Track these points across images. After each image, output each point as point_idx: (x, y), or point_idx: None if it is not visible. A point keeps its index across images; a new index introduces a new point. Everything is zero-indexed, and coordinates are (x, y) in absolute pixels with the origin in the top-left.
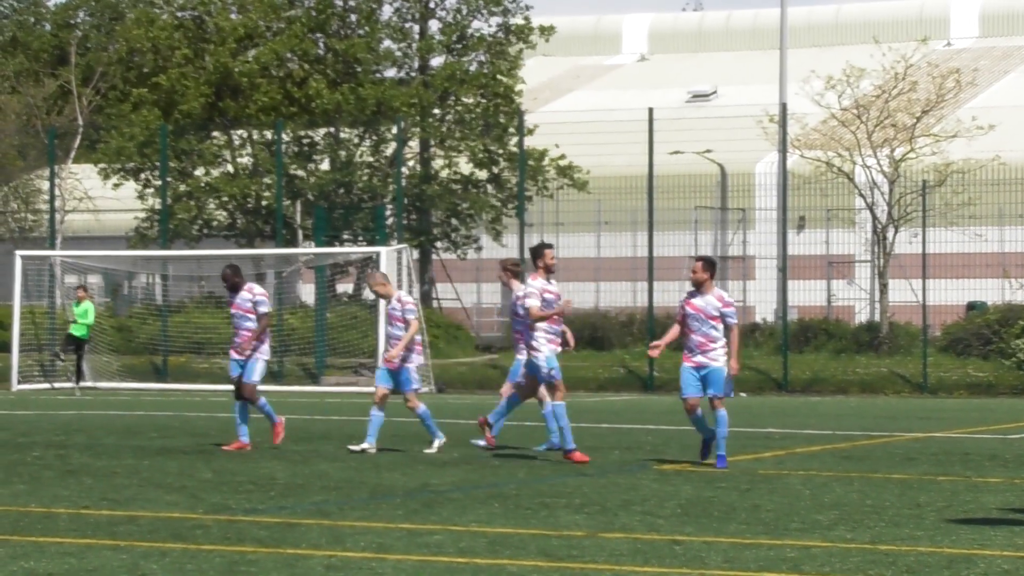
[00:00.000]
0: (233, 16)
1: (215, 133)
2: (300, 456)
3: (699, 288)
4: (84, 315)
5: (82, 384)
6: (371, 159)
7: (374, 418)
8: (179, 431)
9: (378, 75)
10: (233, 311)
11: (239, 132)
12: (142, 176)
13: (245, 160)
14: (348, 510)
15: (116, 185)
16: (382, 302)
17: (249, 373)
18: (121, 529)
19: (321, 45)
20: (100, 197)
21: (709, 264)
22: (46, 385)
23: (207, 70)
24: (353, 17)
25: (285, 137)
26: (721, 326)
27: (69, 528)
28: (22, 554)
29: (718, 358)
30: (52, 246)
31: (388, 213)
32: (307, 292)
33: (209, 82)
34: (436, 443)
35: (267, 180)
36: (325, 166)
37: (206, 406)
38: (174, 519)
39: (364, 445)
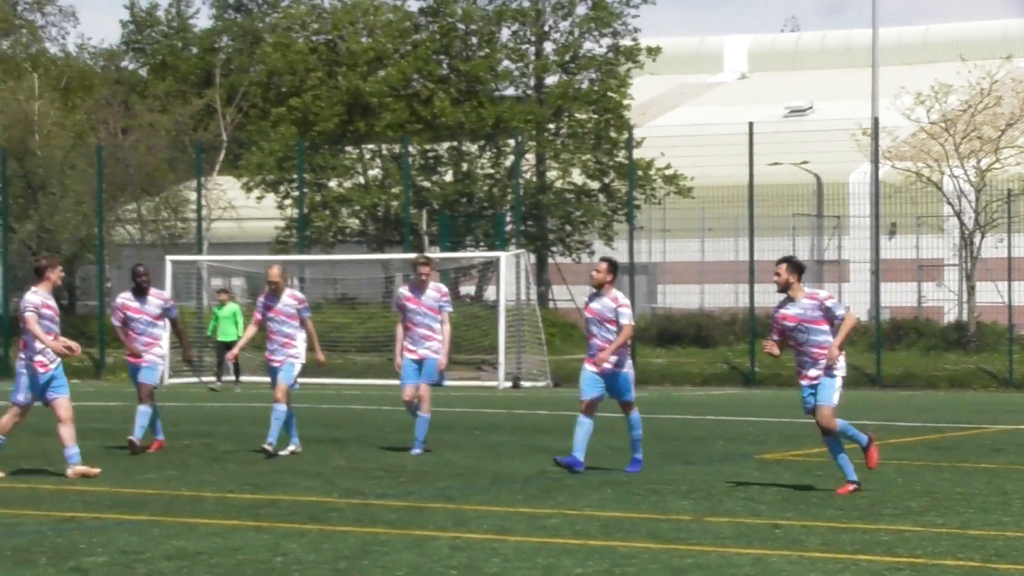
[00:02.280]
0: (364, 40)
1: (347, 148)
2: (427, 445)
3: (599, 289)
4: (232, 317)
5: (241, 379)
6: (491, 171)
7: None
8: (315, 422)
9: (497, 93)
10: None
11: (369, 147)
12: (281, 188)
13: (375, 172)
14: (471, 495)
15: (259, 197)
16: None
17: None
18: (263, 511)
19: (445, 66)
20: (243, 206)
21: (612, 266)
22: (194, 379)
23: (340, 90)
24: (474, 40)
25: (412, 151)
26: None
27: (215, 510)
28: (173, 534)
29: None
30: (199, 251)
31: (507, 221)
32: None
33: (342, 101)
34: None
35: (395, 191)
36: (449, 177)
37: (340, 399)
38: (311, 502)
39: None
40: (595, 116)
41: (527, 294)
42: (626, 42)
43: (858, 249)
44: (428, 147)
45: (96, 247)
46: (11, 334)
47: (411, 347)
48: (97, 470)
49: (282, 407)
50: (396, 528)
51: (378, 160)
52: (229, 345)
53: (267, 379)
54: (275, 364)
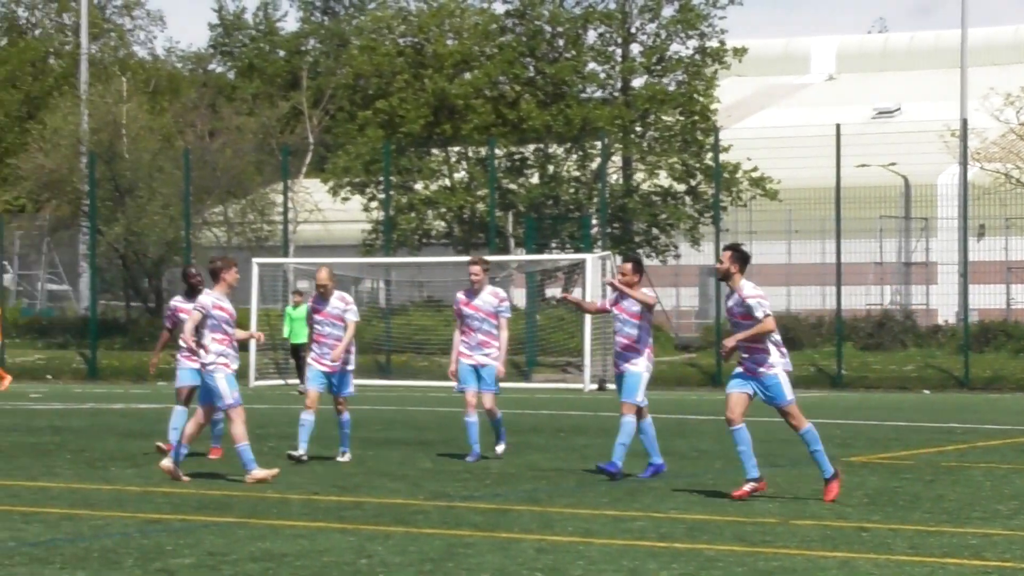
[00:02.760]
0: (450, 43)
1: (434, 151)
2: (512, 447)
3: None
4: (304, 319)
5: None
6: (577, 173)
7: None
8: (401, 424)
9: (584, 95)
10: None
11: (455, 149)
12: (367, 190)
13: (461, 175)
14: (557, 497)
15: (345, 200)
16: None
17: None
18: (348, 514)
19: (531, 68)
20: (329, 209)
21: (638, 266)
22: (280, 381)
23: (426, 92)
24: (561, 42)
25: (498, 153)
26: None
27: (301, 512)
28: (259, 536)
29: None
30: (285, 254)
31: (593, 223)
32: (518, 296)
33: (428, 104)
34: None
35: (481, 193)
36: (535, 180)
37: (426, 401)
38: (397, 505)
39: None
40: (681, 118)
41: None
42: (713, 44)
43: (946, 251)
44: (514, 149)
45: (183, 250)
46: (99, 336)
47: (467, 352)
48: (275, 470)
49: (346, 416)
50: (481, 530)
51: (464, 162)
52: (301, 347)
53: (356, 381)
54: (325, 369)
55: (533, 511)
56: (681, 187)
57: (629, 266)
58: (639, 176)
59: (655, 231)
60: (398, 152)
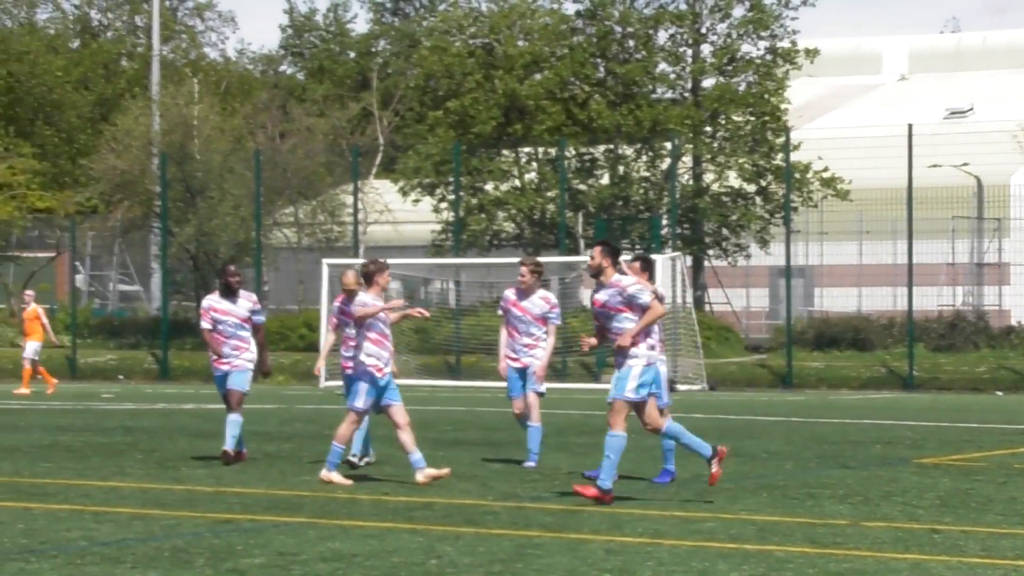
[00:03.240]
0: (520, 43)
1: (504, 151)
2: (582, 448)
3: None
4: None
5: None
6: (647, 174)
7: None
8: (471, 425)
9: (654, 96)
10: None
11: (526, 150)
12: (437, 191)
13: (531, 176)
14: (626, 498)
15: (415, 200)
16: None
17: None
18: (418, 514)
19: (601, 69)
20: (399, 210)
21: (646, 263)
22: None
23: (497, 93)
24: (631, 42)
25: (568, 154)
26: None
27: (371, 512)
28: (329, 536)
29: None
30: (355, 255)
31: (663, 224)
32: (586, 297)
33: (499, 104)
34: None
35: (551, 194)
36: (605, 180)
37: (495, 402)
38: (466, 505)
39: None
40: (752, 119)
41: (683, 297)
42: (784, 44)
43: (1019, 251)
44: (584, 150)
45: (254, 251)
46: (170, 336)
47: (513, 355)
48: (447, 470)
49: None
50: (551, 531)
51: (534, 163)
52: None
53: (426, 382)
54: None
55: (603, 512)
56: (751, 188)
57: (637, 264)
58: (709, 177)
59: (725, 232)
60: (468, 153)
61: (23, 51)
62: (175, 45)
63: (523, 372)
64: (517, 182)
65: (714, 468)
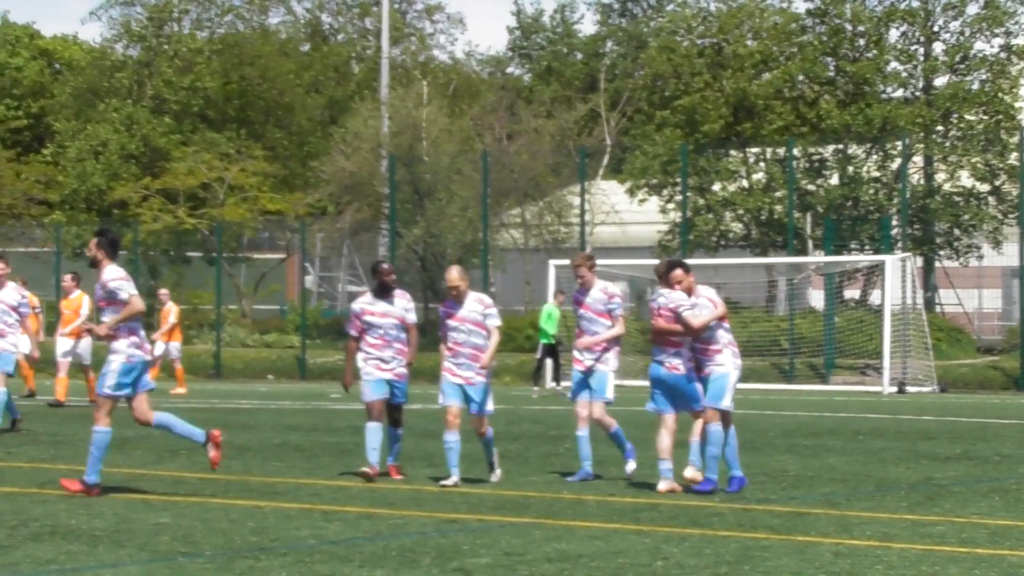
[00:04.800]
0: (749, 43)
1: (732, 152)
2: (810, 450)
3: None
4: (548, 320)
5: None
6: (877, 174)
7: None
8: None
9: (884, 95)
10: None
11: (754, 150)
12: (664, 192)
13: (759, 176)
14: (855, 501)
15: (642, 200)
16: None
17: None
18: (643, 515)
19: (831, 68)
20: (626, 211)
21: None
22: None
23: (725, 93)
24: (862, 41)
25: (796, 154)
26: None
27: (596, 513)
28: (554, 536)
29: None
30: None
31: (893, 224)
32: (816, 298)
33: (727, 104)
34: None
35: (779, 194)
36: (834, 180)
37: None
38: (692, 507)
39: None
40: (985, 117)
41: (913, 298)
42: (1019, 41)
43: None
44: (813, 150)
45: (481, 252)
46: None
47: (577, 356)
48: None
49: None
50: (778, 533)
51: (762, 163)
52: (549, 348)
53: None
54: (459, 381)
55: (830, 514)
56: (984, 187)
57: (679, 272)
58: (940, 176)
59: (956, 232)
60: (696, 153)
61: (255, 55)
62: (404, 47)
63: (587, 374)
64: (745, 182)
65: (211, 453)
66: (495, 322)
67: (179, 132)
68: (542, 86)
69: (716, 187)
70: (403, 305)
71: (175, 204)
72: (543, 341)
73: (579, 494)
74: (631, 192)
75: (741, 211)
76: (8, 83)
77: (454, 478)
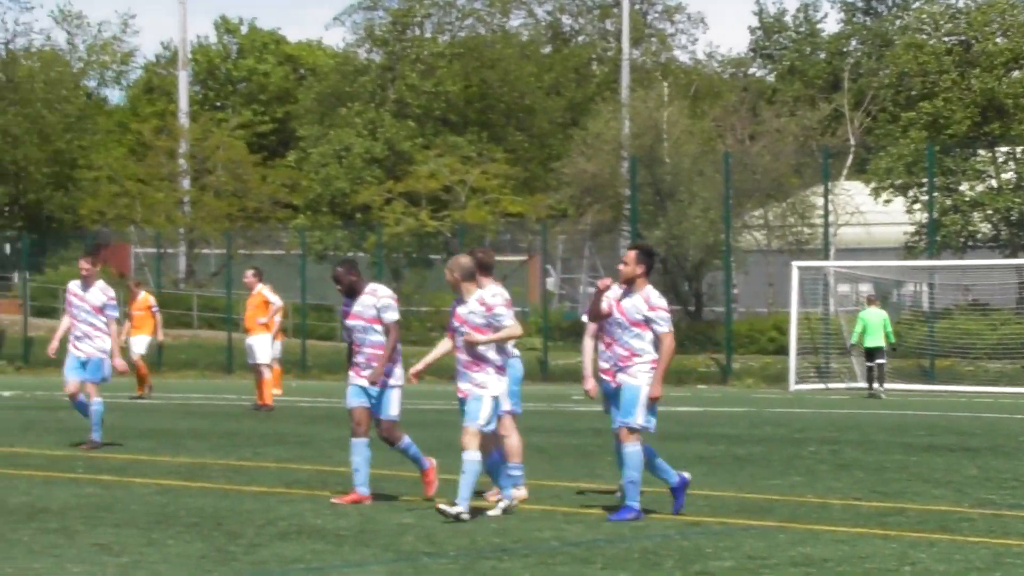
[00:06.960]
0: (999, 40)
1: (980, 151)
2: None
3: (629, 286)
4: (882, 324)
5: (885, 387)
6: None
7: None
8: (945, 430)
9: None
10: (350, 322)
11: (1003, 149)
12: (910, 192)
13: (1009, 175)
14: None
15: (887, 201)
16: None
17: (386, 407)
18: (890, 520)
19: None
20: (870, 211)
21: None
22: (821, 386)
23: (973, 92)
24: None
25: None
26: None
27: (841, 517)
28: (799, 540)
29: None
30: (826, 257)
31: None
32: None
33: (975, 103)
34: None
35: None
36: None
37: (972, 406)
38: (940, 512)
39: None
40: None
41: None
42: None
43: None
44: None
45: (723, 253)
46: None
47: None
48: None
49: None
50: None
51: (1011, 163)
52: (875, 351)
53: (898, 385)
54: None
55: None
56: None
57: (632, 254)
58: None
59: None
60: (942, 153)
61: (496, 58)
62: (645, 48)
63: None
64: (994, 182)
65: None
66: (507, 321)
67: (421, 135)
68: (785, 85)
69: (963, 187)
70: (371, 303)
71: (417, 207)
72: (867, 346)
73: (824, 498)
74: (876, 192)
75: (990, 211)
76: (255, 88)
77: (458, 507)
